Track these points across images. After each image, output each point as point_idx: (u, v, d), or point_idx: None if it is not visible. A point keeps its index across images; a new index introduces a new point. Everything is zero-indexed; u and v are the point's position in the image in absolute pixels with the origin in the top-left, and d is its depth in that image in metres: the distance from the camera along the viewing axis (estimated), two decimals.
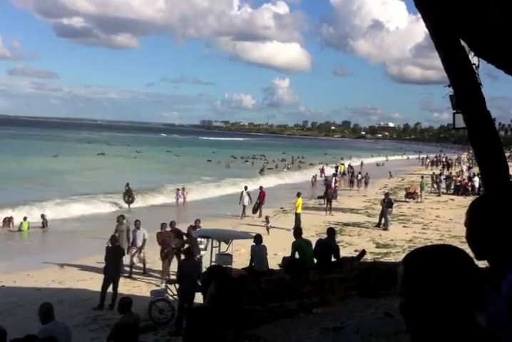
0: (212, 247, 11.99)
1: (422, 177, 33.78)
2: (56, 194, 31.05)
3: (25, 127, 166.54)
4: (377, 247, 17.88)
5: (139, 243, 15.31)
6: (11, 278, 14.43)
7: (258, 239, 11.37)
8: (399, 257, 13.74)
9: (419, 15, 4.61)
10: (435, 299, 1.30)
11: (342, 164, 54.72)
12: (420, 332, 1.33)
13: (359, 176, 40.35)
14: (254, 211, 25.35)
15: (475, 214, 1.63)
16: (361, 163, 60.61)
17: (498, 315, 1.51)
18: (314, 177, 41.31)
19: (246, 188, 26.95)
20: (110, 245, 13.05)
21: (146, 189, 35.40)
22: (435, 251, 1.36)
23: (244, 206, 25.87)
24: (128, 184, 28.66)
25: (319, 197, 32.36)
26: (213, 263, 11.33)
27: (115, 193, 29.95)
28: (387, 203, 22.25)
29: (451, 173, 41.40)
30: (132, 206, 28.23)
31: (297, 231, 11.83)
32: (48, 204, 27.43)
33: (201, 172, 48.36)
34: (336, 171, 46.44)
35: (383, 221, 22.21)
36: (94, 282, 13.21)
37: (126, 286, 13.34)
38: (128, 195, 28.32)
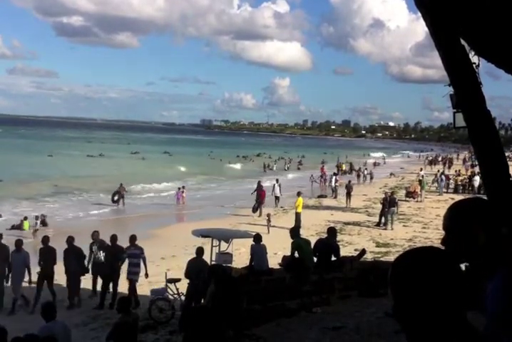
0: (212, 246, 11.98)
1: (422, 176, 33.79)
2: (50, 195, 31.16)
3: (24, 127, 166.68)
4: (377, 246, 17.88)
5: (19, 270, 12.22)
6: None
7: (257, 238, 11.37)
8: None
9: (419, 14, 4.60)
10: (420, 300, 1.32)
11: (342, 163, 55.05)
12: (412, 332, 1.34)
13: (365, 171, 43.94)
14: (254, 210, 25.38)
15: (454, 219, 1.63)
16: (375, 163, 61.20)
17: (489, 314, 1.52)
18: (323, 176, 41.53)
19: (277, 181, 29.06)
20: (109, 244, 13.02)
21: (143, 188, 35.54)
22: (418, 254, 1.38)
23: (276, 198, 27.88)
24: (121, 185, 28.72)
25: (319, 196, 32.43)
26: (213, 263, 11.31)
27: (109, 193, 29.81)
28: (390, 202, 22.24)
29: (457, 171, 41.29)
30: (125, 206, 28.31)
31: (293, 231, 11.80)
32: (44, 205, 27.57)
33: (201, 172, 48.44)
34: (338, 171, 46.57)
35: (383, 220, 22.23)
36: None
37: (126, 286, 13.30)
38: (118, 195, 28.30)
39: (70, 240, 12.88)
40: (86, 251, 13.18)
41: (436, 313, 1.31)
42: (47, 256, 12.51)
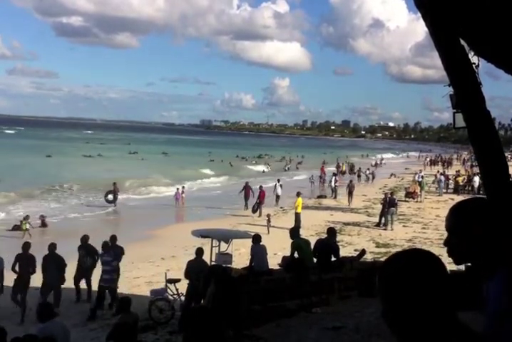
0: (211, 247, 11.98)
1: (422, 177, 33.79)
2: (48, 195, 31.14)
3: (24, 127, 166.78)
4: (377, 247, 17.88)
5: None
6: (11, 277, 14.39)
7: (257, 238, 11.37)
8: None
9: (419, 14, 4.60)
10: (411, 303, 1.32)
11: (343, 163, 55.13)
12: (403, 335, 1.34)
13: (367, 171, 44.52)
14: (254, 210, 25.40)
15: (455, 220, 1.63)
16: (376, 163, 61.26)
17: (490, 314, 1.53)
18: (322, 177, 41.59)
19: (279, 180, 30.15)
20: (109, 244, 13.00)
21: (146, 189, 35.52)
22: (407, 257, 1.38)
23: (277, 197, 28.66)
24: (114, 184, 28.74)
25: (319, 197, 32.43)
26: (213, 263, 11.32)
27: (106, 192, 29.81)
28: (389, 202, 22.23)
29: (457, 172, 41.34)
30: (121, 206, 28.38)
31: (293, 231, 11.81)
32: (42, 205, 27.55)
33: (202, 172, 48.40)
34: (338, 170, 46.68)
35: (383, 220, 22.22)
36: (94, 282, 13.18)
37: (126, 286, 13.33)
38: (114, 194, 28.31)
39: (51, 247, 12.29)
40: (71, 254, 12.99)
41: (428, 316, 1.31)
42: (23, 262, 11.85)
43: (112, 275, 12.22)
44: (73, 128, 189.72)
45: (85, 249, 13.09)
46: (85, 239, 13.24)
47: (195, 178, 42.69)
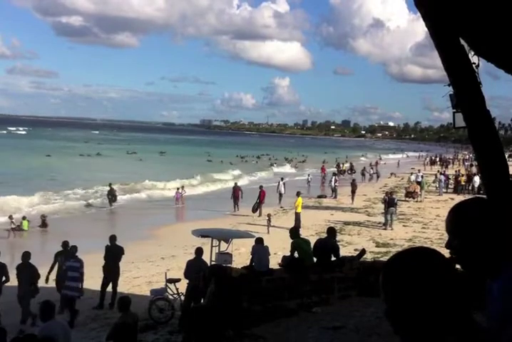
0: (211, 246, 11.98)
1: (422, 176, 33.80)
2: (47, 195, 31.09)
3: (24, 126, 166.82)
4: (377, 246, 17.87)
5: None
6: (11, 277, 14.38)
7: (259, 240, 11.40)
8: None
9: (419, 14, 4.60)
10: (416, 302, 1.31)
11: (343, 163, 55.13)
12: (407, 334, 1.34)
13: (371, 171, 45.45)
14: (254, 210, 25.40)
15: (456, 221, 1.63)
16: (376, 162, 61.18)
17: (492, 314, 1.53)
18: (323, 177, 41.71)
19: (282, 179, 30.80)
20: (109, 244, 13.02)
21: (139, 187, 35.54)
22: (412, 255, 1.37)
23: (280, 195, 28.99)
24: (110, 184, 28.85)
25: (319, 196, 32.43)
26: (213, 263, 11.32)
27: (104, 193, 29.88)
28: (389, 202, 22.19)
29: (457, 171, 41.40)
30: (120, 206, 28.49)
31: (293, 231, 11.82)
32: (41, 205, 27.50)
33: (202, 172, 48.37)
34: (338, 170, 46.70)
35: (388, 219, 22.08)
36: (94, 281, 13.17)
37: (126, 285, 13.35)
38: (111, 194, 28.38)
39: (25, 257, 11.45)
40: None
41: (432, 314, 1.30)
42: None
43: (78, 282, 11.51)
44: (78, 128, 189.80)
45: (64, 255, 12.23)
46: (65, 244, 12.50)
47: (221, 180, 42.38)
